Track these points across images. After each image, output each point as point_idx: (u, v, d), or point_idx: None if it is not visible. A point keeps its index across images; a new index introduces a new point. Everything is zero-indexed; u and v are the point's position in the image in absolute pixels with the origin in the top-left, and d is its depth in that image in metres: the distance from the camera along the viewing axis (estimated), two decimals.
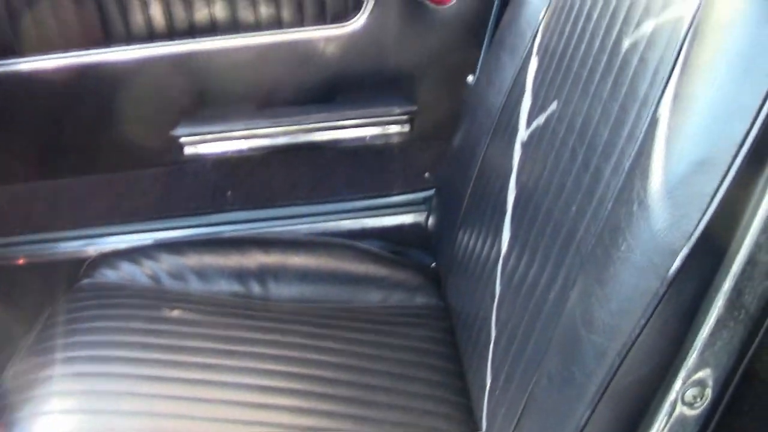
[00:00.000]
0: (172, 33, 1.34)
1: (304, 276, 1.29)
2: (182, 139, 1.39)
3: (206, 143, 1.40)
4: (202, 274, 1.29)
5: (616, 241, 0.73)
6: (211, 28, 1.34)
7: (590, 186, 0.84)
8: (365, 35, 1.33)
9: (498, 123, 1.12)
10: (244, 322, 1.19)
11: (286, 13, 1.33)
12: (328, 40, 1.34)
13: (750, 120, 0.65)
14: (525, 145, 1.03)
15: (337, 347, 1.15)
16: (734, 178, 0.66)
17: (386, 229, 1.46)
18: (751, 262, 0.68)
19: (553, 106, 0.97)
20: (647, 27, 0.82)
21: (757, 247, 0.68)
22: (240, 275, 1.29)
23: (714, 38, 0.69)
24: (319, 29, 1.34)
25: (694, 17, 0.73)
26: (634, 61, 0.82)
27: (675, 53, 0.75)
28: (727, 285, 0.69)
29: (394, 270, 1.31)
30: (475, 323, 1.07)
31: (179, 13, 1.32)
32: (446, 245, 1.25)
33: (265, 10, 1.33)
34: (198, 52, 1.35)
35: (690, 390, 0.72)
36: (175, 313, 1.19)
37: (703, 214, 0.67)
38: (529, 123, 1.03)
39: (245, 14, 1.33)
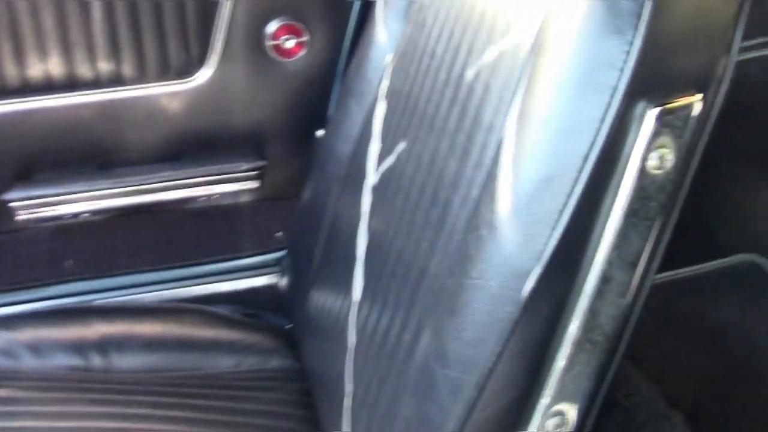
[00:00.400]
0: (2, 91, 1.25)
1: (150, 345, 1.21)
2: (14, 204, 1.29)
3: (42, 208, 1.30)
4: (36, 348, 1.18)
5: (467, 270, 0.69)
6: (47, 86, 1.26)
7: (440, 220, 0.81)
8: (211, 90, 1.29)
9: (348, 172, 1.09)
10: (83, 396, 1.09)
11: (128, 69, 1.27)
12: (171, 96, 1.28)
13: (593, 132, 0.64)
14: (375, 190, 0.99)
15: (186, 416, 1.06)
16: (582, 193, 0.64)
17: (239, 293, 1.39)
18: (604, 279, 0.66)
19: (402, 146, 0.95)
20: (490, 54, 0.80)
21: (609, 264, 0.66)
22: (79, 348, 1.19)
23: (555, 55, 0.67)
24: (162, 85, 1.29)
25: (536, 37, 0.72)
26: (479, 89, 0.80)
27: (518, 75, 0.73)
28: (582, 305, 0.66)
29: (247, 333, 1.24)
30: (331, 379, 1.01)
31: (10, 69, 1.24)
32: (300, 304, 1.19)
33: (104, 66, 1.26)
34: (32, 111, 1.26)
35: (551, 420, 0.68)
36: (2, 392, 1.08)
37: (552, 232, 0.64)
38: (378, 167, 1.00)
39: (83, 70, 1.26)
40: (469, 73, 0.83)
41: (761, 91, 1.12)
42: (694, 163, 0.69)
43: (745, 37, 1.16)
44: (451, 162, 0.82)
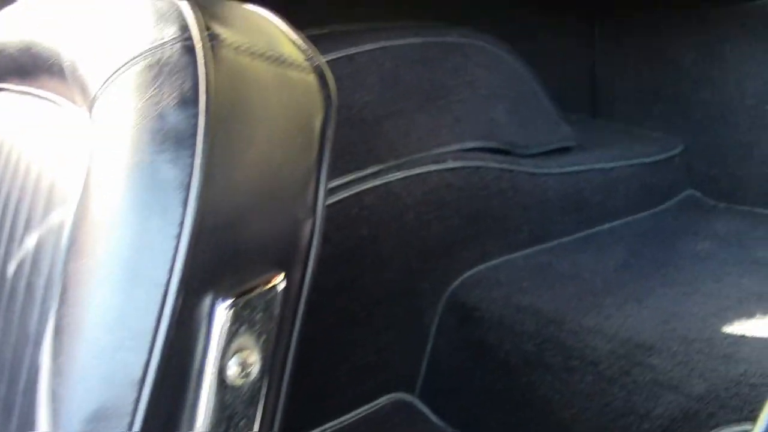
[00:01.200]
0: None
1: None
2: None
3: None
4: None
5: None
6: None
7: None
8: None
9: None
10: None
11: None
12: None
13: (147, 347, 0.48)
14: None
15: None
16: (143, 428, 0.48)
17: None
18: None
19: None
20: (30, 242, 0.63)
21: None
22: None
23: (88, 249, 0.51)
24: None
25: (72, 224, 0.56)
26: (21, 288, 0.62)
27: (58, 272, 0.56)
28: None
29: None
30: None
31: None
32: None
33: None
34: None
35: None
36: None
37: None
38: None
39: None
40: (11, 268, 0.64)
41: (382, 222, 1.05)
42: (291, 355, 0.55)
43: (356, 168, 1.09)
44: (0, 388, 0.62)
